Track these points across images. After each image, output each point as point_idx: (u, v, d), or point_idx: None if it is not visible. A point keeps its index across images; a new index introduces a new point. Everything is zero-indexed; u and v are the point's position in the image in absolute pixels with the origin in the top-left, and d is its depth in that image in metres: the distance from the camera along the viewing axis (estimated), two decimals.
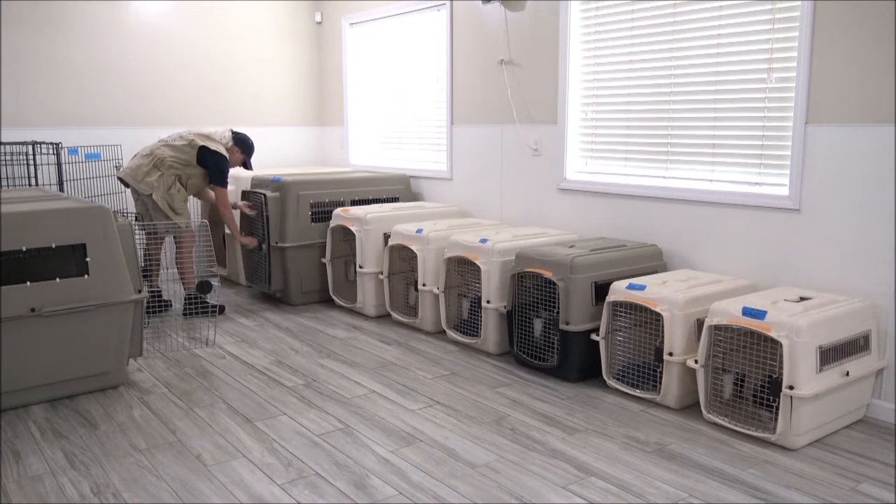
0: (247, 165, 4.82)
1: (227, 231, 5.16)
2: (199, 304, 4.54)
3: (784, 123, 3.33)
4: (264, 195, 4.76)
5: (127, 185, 4.51)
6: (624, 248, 3.69)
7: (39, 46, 5.16)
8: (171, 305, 4.78)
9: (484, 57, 4.81)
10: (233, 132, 4.67)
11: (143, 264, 4.55)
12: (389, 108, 5.78)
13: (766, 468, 2.63)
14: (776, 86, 3.34)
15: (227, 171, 4.58)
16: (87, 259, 3.21)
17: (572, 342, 3.44)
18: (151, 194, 4.37)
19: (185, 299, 4.59)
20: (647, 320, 3.32)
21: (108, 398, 3.31)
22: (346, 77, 6.18)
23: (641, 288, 3.23)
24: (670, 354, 3.10)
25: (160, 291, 4.67)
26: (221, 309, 4.75)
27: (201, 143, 4.46)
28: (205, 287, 4.27)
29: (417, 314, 4.34)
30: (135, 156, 4.54)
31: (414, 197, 5.49)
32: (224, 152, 4.55)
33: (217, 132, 4.64)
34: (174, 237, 4.56)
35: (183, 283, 4.61)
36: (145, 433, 2.94)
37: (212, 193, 4.73)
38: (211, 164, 4.49)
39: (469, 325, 4.07)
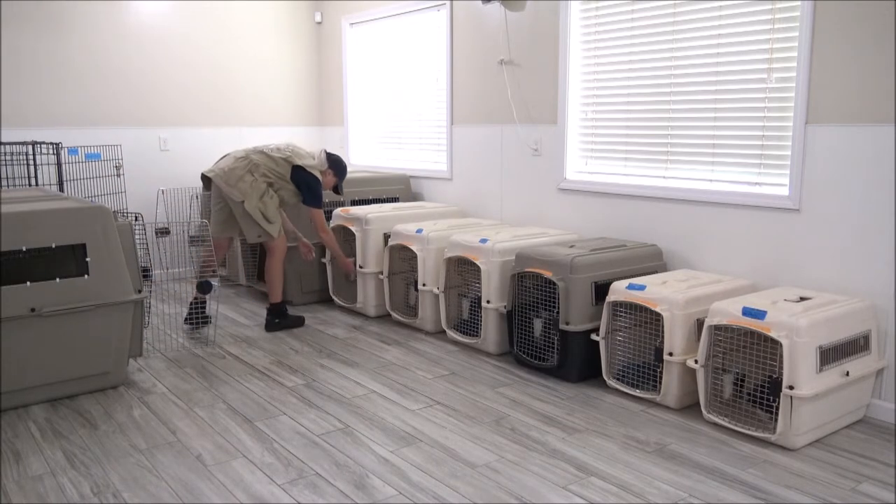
0: (338, 189, 4.59)
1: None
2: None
3: (784, 123, 3.33)
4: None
5: (207, 188, 4.30)
6: (624, 248, 3.69)
7: (39, 46, 5.16)
8: (210, 320, 4.52)
9: (484, 57, 4.81)
10: (327, 154, 4.48)
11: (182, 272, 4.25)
12: (389, 108, 5.78)
13: (766, 468, 2.63)
14: (776, 86, 3.34)
15: (322, 194, 4.38)
16: (87, 259, 3.21)
17: (572, 342, 3.44)
18: (243, 202, 4.15)
19: (268, 310, 4.40)
20: (647, 320, 3.32)
21: (108, 398, 3.31)
22: (346, 77, 6.18)
23: (641, 288, 3.23)
24: (670, 354, 3.10)
25: (205, 302, 4.39)
26: (301, 320, 4.53)
27: (297, 162, 4.29)
28: (205, 287, 4.26)
29: (417, 314, 4.34)
30: (225, 156, 4.33)
31: (414, 197, 5.49)
32: (318, 175, 4.36)
33: (313, 153, 4.48)
34: (265, 245, 4.36)
35: (269, 294, 4.39)
36: (145, 433, 2.94)
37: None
38: (304, 185, 4.31)
39: (469, 325, 4.07)
